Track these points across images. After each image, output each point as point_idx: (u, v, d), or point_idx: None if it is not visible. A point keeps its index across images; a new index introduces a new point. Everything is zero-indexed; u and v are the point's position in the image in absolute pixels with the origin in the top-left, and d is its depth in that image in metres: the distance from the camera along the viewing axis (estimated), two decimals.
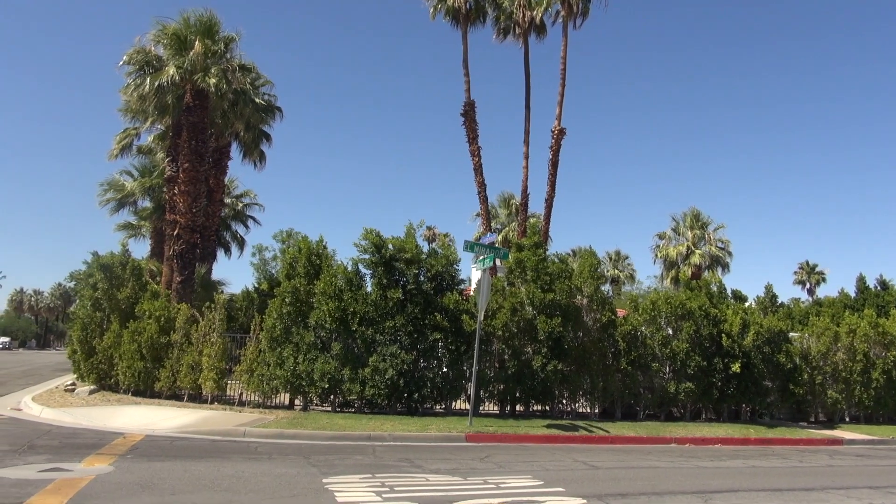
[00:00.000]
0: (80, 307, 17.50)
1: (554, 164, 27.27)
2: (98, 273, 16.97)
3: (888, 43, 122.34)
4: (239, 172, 49.60)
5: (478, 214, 40.85)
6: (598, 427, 14.61)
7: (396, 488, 7.46)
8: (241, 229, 35.74)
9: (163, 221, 26.43)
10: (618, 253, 55.60)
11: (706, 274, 36.50)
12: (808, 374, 18.07)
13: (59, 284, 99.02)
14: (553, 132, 27.35)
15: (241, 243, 35.68)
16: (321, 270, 15.32)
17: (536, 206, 32.44)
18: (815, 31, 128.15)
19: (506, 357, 15.59)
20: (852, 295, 36.76)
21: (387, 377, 14.19)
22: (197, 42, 22.07)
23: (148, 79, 22.29)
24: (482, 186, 27.83)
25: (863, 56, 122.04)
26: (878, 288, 35.72)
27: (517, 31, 30.07)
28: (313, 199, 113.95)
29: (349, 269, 15.35)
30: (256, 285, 34.63)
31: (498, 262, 15.21)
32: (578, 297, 16.56)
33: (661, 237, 39.70)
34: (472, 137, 27.99)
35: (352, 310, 14.67)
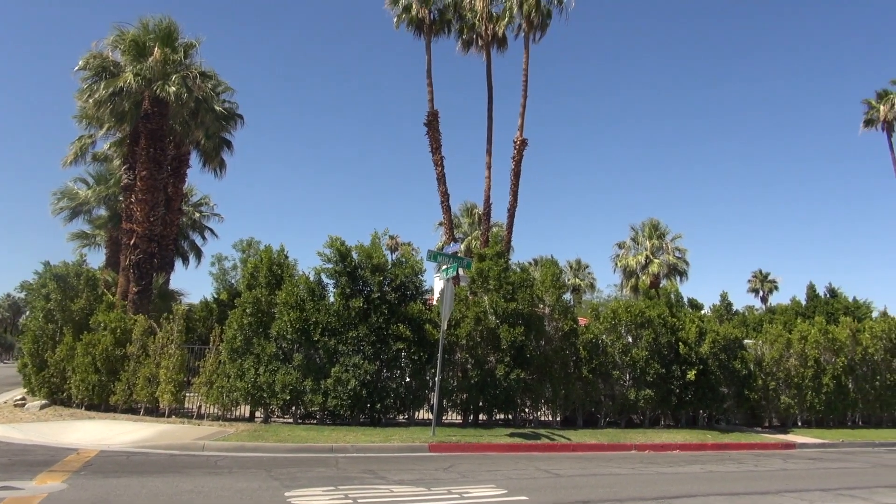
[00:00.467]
0: (31, 319, 16.95)
1: (516, 174, 27.55)
2: (51, 283, 16.49)
3: (838, 55, 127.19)
4: (198, 180, 48.86)
5: (441, 224, 41.02)
6: (560, 435, 14.76)
7: (360, 500, 7.42)
8: (198, 239, 35.16)
9: (119, 230, 25.84)
10: (578, 262, 56.28)
11: (664, 283, 37.23)
12: (762, 380, 18.59)
13: (8, 295, 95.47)
14: (515, 143, 27.65)
15: (199, 253, 35.06)
16: (283, 280, 15.17)
17: (499, 216, 32.80)
18: (769, 43, 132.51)
19: (469, 366, 15.64)
20: (803, 303, 38.03)
21: (349, 388, 14.09)
22: (156, 49, 21.73)
23: (103, 84, 21.86)
24: (445, 196, 27.93)
25: (814, 69, 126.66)
26: (828, 296, 37.03)
27: (480, 43, 30.43)
28: (273, 208, 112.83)
29: (311, 278, 15.24)
30: (216, 295, 34.04)
31: (461, 271, 15.30)
32: (541, 306, 16.75)
33: (620, 246, 40.37)
34: (436, 147, 28.11)
35: (314, 320, 14.55)
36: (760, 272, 66.33)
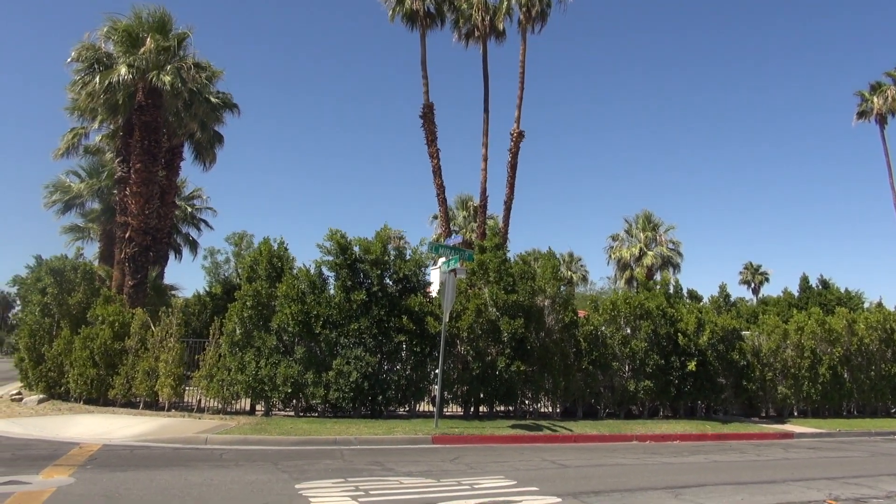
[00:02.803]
0: (27, 313, 16.76)
1: (513, 166, 27.54)
2: (47, 277, 16.31)
3: (831, 47, 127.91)
4: (189, 172, 48.43)
5: (436, 216, 40.95)
6: (562, 426, 14.79)
7: (372, 492, 7.39)
8: (192, 231, 34.98)
9: (113, 224, 25.64)
10: (571, 254, 56.40)
11: (658, 275, 37.42)
12: (759, 370, 18.69)
13: None
14: (512, 135, 27.64)
15: (193, 245, 34.91)
16: (283, 273, 15.09)
17: (494, 208, 32.73)
18: (762, 36, 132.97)
19: (469, 358, 15.63)
20: (795, 294, 38.23)
21: (351, 380, 14.06)
22: (149, 39, 21.51)
23: (98, 76, 21.63)
24: (441, 188, 27.90)
25: (808, 60, 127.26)
26: (820, 287, 37.19)
27: (476, 34, 30.30)
28: (265, 200, 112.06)
29: (312, 271, 15.17)
30: (208, 289, 33.91)
31: (458, 264, 15.25)
32: (540, 298, 16.74)
33: (614, 239, 40.52)
34: (431, 140, 28.04)
35: (315, 313, 14.48)
36: (751, 264, 66.78)
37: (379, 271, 15.18)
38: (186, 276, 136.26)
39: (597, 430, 14.74)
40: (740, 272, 67.21)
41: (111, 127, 26.59)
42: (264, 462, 9.54)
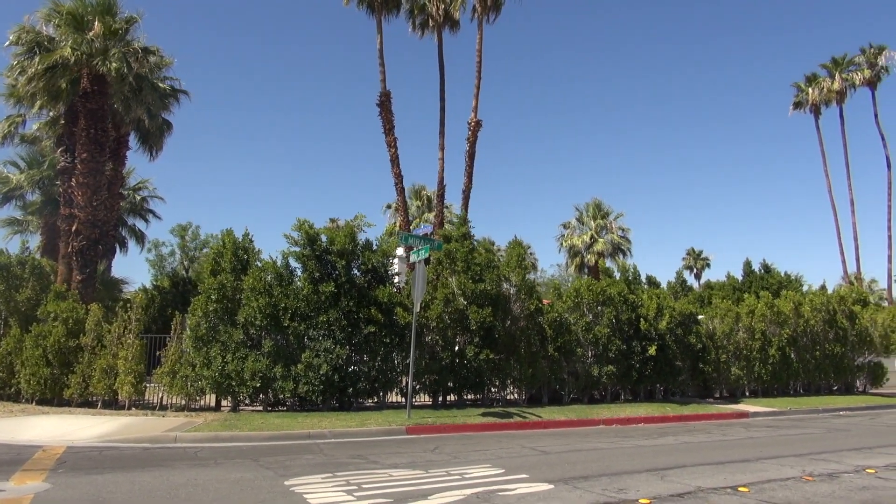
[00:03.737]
0: None
1: (470, 155, 27.60)
2: None
3: (769, 39, 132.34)
4: (136, 162, 46.75)
5: (389, 205, 40.87)
6: (531, 413, 15.00)
7: (364, 486, 7.33)
8: (139, 223, 33.78)
9: (56, 216, 24.48)
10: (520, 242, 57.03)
11: (608, 261, 38.24)
12: (714, 353, 19.39)
13: None
14: (470, 124, 27.66)
15: (140, 238, 33.74)
16: (248, 265, 14.76)
17: (451, 197, 32.78)
18: (702, 27, 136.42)
19: (438, 348, 15.66)
20: (739, 278, 39.71)
21: (321, 373, 13.90)
22: (96, 22, 20.60)
23: (38, 58, 20.56)
24: (399, 178, 27.72)
25: (746, 52, 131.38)
26: (762, 271, 38.71)
27: (431, 24, 30.14)
28: (217, 189, 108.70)
29: (279, 262, 14.87)
30: (154, 283, 32.88)
31: (427, 254, 15.20)
32: (506, 287, 16.90)
33: (565, 227, 41.10)
34: (389, 128, 27.81)
35: (283, 305, 14.23)
36: (693, 250, 68.99)
37: (347, 262, 15.02)
38: (133, 270, 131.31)
39: (564, 415, 15.01)
40: (683, 258, 69.40)
41: (51, 114, 25.36)
42: (243, 459, 9.34)
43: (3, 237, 28.74)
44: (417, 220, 40.13)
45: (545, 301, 18.34)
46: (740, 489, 7.22)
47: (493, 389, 16.70)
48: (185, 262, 42.64)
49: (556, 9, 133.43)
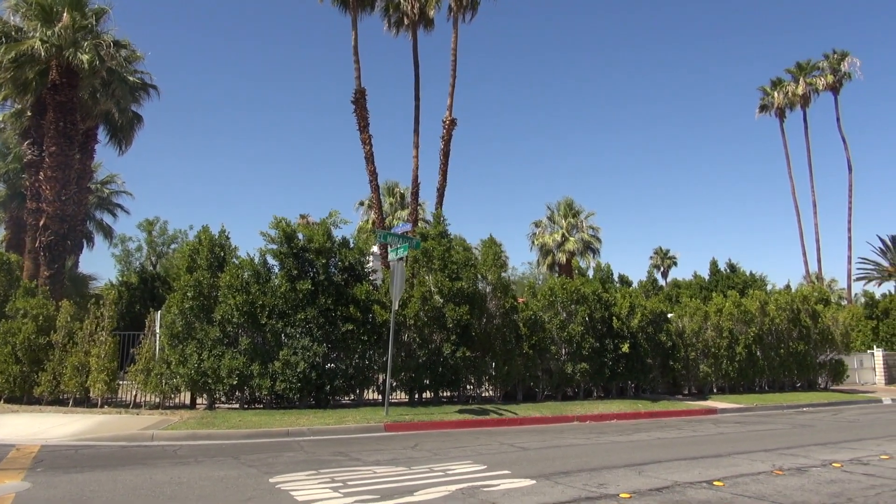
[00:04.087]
0: None
1: (445, 153, 27.71)
2: None
3: (735, 44, 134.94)
4: (103, 156, 45.67)
5: (362, 203, 40.75)
6: (506, 410, 15.20)
7: (350, 482, 7.41)
8: (107, 218, 33.17)
9: (22, 210, 23.96)
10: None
11: (579, 260, 38.72)
12: (683, 350, 19.84)
13: None
14: (444, 122, 27.77)
15: (108, 233, 33.17)
16: (225, 262, 14.66)
17: (424, 195, 32.79)
18: (671, 32, 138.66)
19: (415, 346, 15.76)
20: (706, 277, 40.60)
21: (298, 370, 13.89)
22: (66, 14, 20.25)
23: (3, 48, 20.07)
24: (374, 175, 27.70)
25: (713, 57, 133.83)
26: (728, 271, 39.68)
27: (406, 22, 30.13)
28: (188, 185, 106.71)
29: (256, 260, 14.80)
30: (121, 278, 32.35)
31: (406, 252, 15.27)
32: (482, 285, 17.06)
33: (537, 225, 41.41)
34: (363, 126, 27.75)
35: (260, 303, 14.17)
36: (661, 249, 70.30)
37: (324, 260, 15.03)
38: (99, 265, 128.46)
39: (539, 412, 15.25)
40: (650, 256, 70.65)
41: (16, 105, 24.79)
42: (224, 457, 9.33)
43: None
44: (391, 217, 40.05)
45: (520, 299, 18.56)
46: (715, 483, 7.48)
47: (469, 387, 16.86)
48: (153, 258, 41.87)
49: (532, 9, 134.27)
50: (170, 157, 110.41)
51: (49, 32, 19.81)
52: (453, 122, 27.99)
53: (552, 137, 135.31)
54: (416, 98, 29.05)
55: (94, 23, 21.31)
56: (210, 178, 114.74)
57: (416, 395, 16.19)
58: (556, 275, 32.90)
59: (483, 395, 17.25)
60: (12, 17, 20.79)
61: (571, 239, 39.70)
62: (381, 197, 41.07)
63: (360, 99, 27.82)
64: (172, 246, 41.44)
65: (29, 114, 23.60)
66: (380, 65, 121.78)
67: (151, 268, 40.59)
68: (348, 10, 28.75)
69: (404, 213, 36.96)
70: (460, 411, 14.63)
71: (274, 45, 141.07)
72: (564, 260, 38.05)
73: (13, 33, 20.55)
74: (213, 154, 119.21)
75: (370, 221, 36.69)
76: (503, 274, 17.77)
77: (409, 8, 29.76)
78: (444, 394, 16.56)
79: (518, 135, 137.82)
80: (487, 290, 17.05)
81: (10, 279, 15.92)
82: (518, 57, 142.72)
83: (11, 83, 21.42)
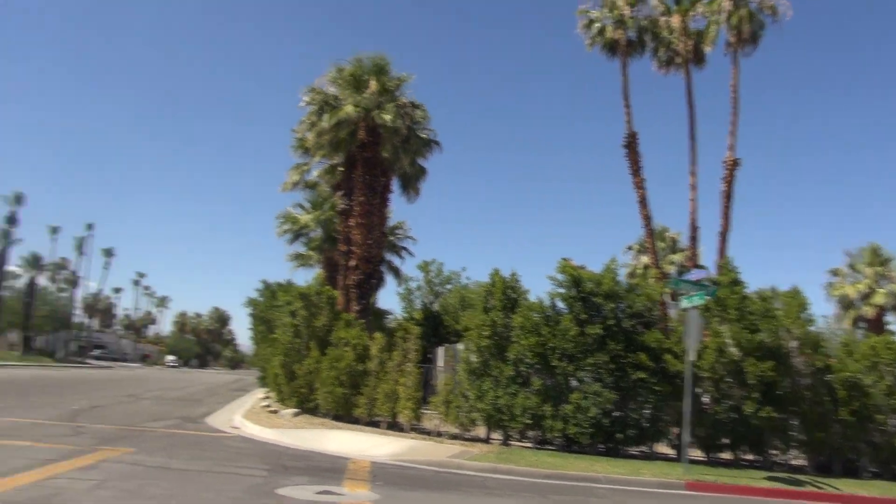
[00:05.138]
0: (281, 334, 18.55)
1: (727, 195, 25.89)
2: (297, 301, 17.93)
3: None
4: (393, 204, 51.49)
5: (630, 247, 39.90)
6: (824, 483, 13.32)
7: None
8: (395, 259, 36.92)
9: (334, 251, 27.74)
10: (774, 290, 51.85)
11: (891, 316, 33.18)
12: None
13: (216, 308, 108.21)
14: (726, 163, 26.04)
15: (397, 273, 36.79)
16: (516, 304, 15.27)
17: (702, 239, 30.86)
18: None
19: (711, 401, 14.69)
20: None
21: (590, 415, 13.77)
22: (373, 81, 23.27)
23: (327, 115, 23.70)
24: (647, 219, 26.90)
25: None
26: None
27: (678, 60, 29.20)
28: (455, 229, 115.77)
29: (546, 303, 15.19)
30: (406, 314, 35.48)
31: (703, 300, 14.43)
32: (786, 339, 15.40)
33: (834, 273, 36.52)
34: (636, 169, 27.22)
35: (551, 345, 14.43)
36: None
37: (612, 305, 14.85)
38: (389, 302, 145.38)
39: (866, 490, 13.09)
40: None
41: (330, 163, 29.07)
42: (531, 494, 9.55)
43: (290, 269, 33.30)
44: (662, 262, 38.58)
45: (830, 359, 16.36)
46: None
47: (773, 451, 15.17)
48: (430, 297, 45.50)
49: (813, 37, 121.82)
50: (445, 201, 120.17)
51: (359, 98, 22.98)
52: (735, 162, 26.12)
53: (842, 175, 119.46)
54: (692, 138, 27.73)
55: (395, 88, 24.30)
56: (477, 220, 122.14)
57: (710, 454, 15.00)
58: (861, 331, 28.58)
59: (790, 462, 15.37)
60: (329, 88, 24.55)
61: (880, 291, 34.27)
62: (653, 242, 40.00)
63: (631, 142, 27.42)
64: (448, 286, 44.65)
65: (340, 169, 27.44)
66: (645, 107, 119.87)
67: (428, 305, 44.02)
68: (617, 55, 28.76)
69: (677, 258, 35.31)
70: (769, 478, 13.16)
71: (544, 92, 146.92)
72: (871, 314, 32.90)
73: (331, 101, 24.23)
74: (479, 198, 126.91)
75: (645, 266, 35.68)
76: (810, 328, 15.87)
77: (681, 46, 28.84)
78: (744, 457, 15.10)
79: (806, 174, 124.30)
80: (792, 345, 15.33)
81: (334, 312, 18.39)
82: (802, 88, 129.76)
83: (329, 143, 25.18)
